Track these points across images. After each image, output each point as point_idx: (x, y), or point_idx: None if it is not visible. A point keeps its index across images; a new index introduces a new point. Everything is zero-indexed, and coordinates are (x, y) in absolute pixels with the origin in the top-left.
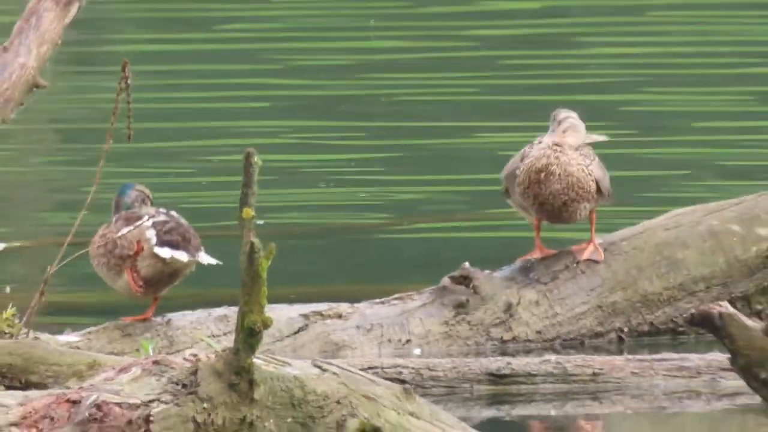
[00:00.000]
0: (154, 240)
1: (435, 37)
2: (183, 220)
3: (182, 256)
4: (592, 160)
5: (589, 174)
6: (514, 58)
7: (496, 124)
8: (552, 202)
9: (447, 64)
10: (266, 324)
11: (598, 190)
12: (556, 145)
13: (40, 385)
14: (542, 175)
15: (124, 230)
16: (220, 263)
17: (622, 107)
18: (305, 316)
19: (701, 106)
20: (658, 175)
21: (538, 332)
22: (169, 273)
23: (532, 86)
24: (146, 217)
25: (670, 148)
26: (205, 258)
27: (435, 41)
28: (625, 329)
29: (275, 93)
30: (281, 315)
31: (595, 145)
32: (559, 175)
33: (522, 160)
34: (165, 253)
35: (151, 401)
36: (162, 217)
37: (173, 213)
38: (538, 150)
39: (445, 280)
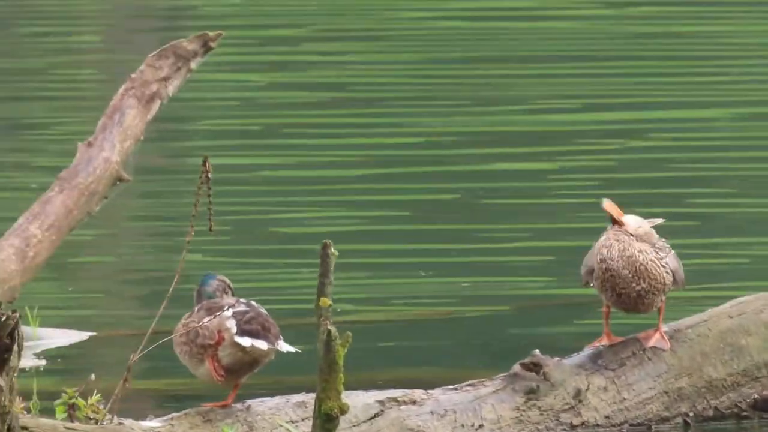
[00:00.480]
0: (234, 329)
1: None
2: (262, 310)
3: (262, 344)
4: (667, 253)
5: (663, 266)
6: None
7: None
8: (629, 294)
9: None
10: (343, 410)
11: (674, 281)
12: (616, 233)
13: None
14: (613, 272)
15: (206, 320)
16: (299, 351)
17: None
18: (381, 402)
19: None
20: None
21: (607, 417)
22: (249, 362)
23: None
24: (227, 307)
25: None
26: (284, 346)
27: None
28: (691, 414)
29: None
30: (357, 401)
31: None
32: (632, 269)
33: (601, 262)
34: (245, 342)
35: None
36: (242, 307)
37: (253, 303)
38: (606, 246)
39: (516, 367)
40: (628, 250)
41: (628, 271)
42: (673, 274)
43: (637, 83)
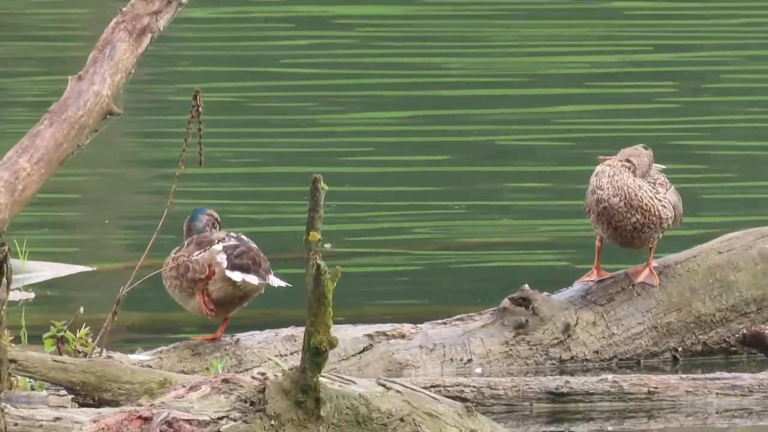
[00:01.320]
0: (225, 264)
1: None
2: (253, 244)
3: (253, 279)
4: (667, 188)
5: (660, 200)
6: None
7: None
8: (624, 226)
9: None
10: (332, 344)
11: (674, 218)
12: (609, 163)
13: (112, 403)
14: (607, 203)
15: (196, 254)
16: (290, 285)
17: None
18: (370, 336)
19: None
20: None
21: (596, 352)
22: (239, 296)
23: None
24: (217, 241)
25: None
26: (274, 281)
27: None
28: (680, 349)
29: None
30: (346, 335)
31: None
32: (623, 197)
33: (593, 193)
34: (236, 276)
35: (220, 418)
36: (232, 242)
37: (243, 237)
38: (597, 174)
39: (506, 302)
40: (618, 177)
41: (619, 199)
42: (674, 210)
43: None
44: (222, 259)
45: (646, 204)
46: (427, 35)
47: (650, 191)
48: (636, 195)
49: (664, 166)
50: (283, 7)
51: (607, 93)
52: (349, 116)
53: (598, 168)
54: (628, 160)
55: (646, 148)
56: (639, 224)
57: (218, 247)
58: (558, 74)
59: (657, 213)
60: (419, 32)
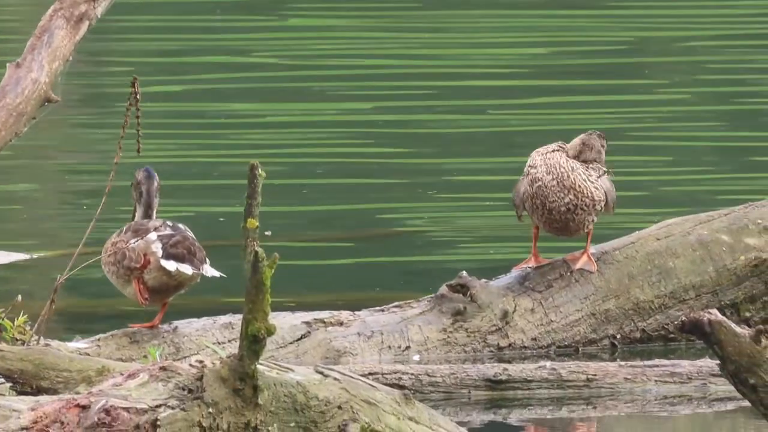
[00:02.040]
0: (160, 253)
1: None
2: (189, 233)
3: (187, 269)
4: (600, 174)
5: (592, 182)
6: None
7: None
8: (558, 207)
9: None
10: (270, 331)
11: (606, 203)
12: (546, 147)
13: (50, 391)
14: (543, 183)
15: (132, 242)
16: (224, 276)
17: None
18: (308, 324)
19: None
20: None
21: (534, 339)
22: (174, 285)
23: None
24: (153, 231)
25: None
26: (209, 271)
27: None
28: (618, 336)
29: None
30: (284, 322)
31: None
32: (556, 176)
33: (526, 176)
34: (170, 266)
35: (158, 406)
36: (168, 231)
37: (180, 225)
38: (533, 156)
39: (443, 289)
40: (551, 156)
41: (552, 177)
42: (606, 195)
43: None
44: (157, 248)
45: (578, 185)
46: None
47: (583, 173)
48: (568, 175)
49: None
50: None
51: (539, 86)
52: (288, 106)
53: (533, 154)
54: (559, 145)
55: (600, 136)
56: (572, 205)
57: (153, 236)
58: (494, 66)
59: (590, 194)
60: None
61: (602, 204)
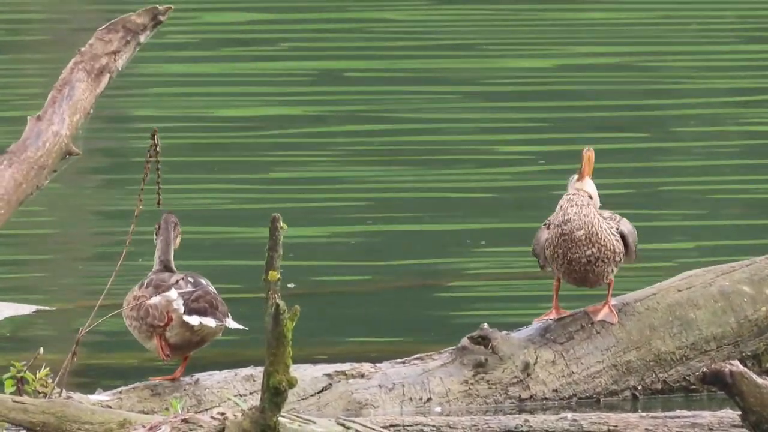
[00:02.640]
0: (182, 309)
1: None
2: (211, 288)
3: (210, 322)
4: (618, 221)
5: (614, 235)
6: None
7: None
8: (579, 259)
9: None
10: (291, 383)
11: (626, 248)
12: (576, 191)
13: None
14: (569, 227)
15: (154, 299)
16: (246, 329)
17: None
18: (329, 376)
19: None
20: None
21: (555, 390)
22: (196, 341)
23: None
24: (174, 290)
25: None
26: (232, 323)
27: None
28: (639, 387)
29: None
30: (305, 374)
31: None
32: (584, 229)
33: (548, 227)
34: (194, 320)
35: None
36: (189, 287)
37: (201, 280)
38: (564, 205)
39: (464, 341)
40: (588, 214)
41: (583, 233)
42: (625, 239)
43: None
44: (179, 305)
45: (603, 238)
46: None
47: (606, 226)
48: (596, 230)
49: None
50: None
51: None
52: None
53: (563, 201)
54: (589, 195)
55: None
56: (594, 257)
57: (174, 294)
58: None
59: (612, 247)
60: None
61: (622, 255)
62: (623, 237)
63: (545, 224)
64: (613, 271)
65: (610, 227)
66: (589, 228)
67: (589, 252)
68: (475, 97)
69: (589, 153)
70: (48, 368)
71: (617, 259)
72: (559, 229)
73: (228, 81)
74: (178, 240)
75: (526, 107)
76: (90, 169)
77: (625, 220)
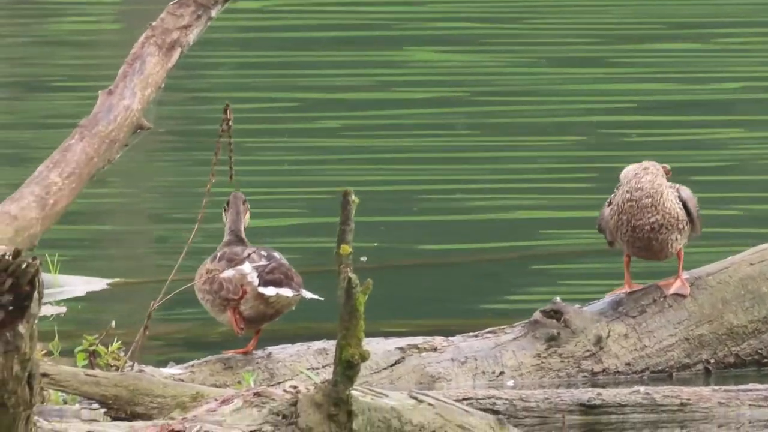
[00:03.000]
0: (256, 282)
1: None
2: (284, 260)
3: (287, 292)
4: (678, 188)
5: (677, 202)
6: None
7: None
8: (642, 226)
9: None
10: (364, 357)
11: (689, 216)
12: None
13: (145, 416)
14: (636, 194)
15: (228, 273)
16: (321, 299)
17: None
18: (401, 349)
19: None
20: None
21: (628, 364)
22: (270, 313)
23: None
24: (247, 264)
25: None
26: (307, 294)
27: None
28: (712, 361)
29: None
30: (378, 348)
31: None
32: (652, 197)
33: (609, 204)
34: (270, 291)
35: None
36: (262, 261)
37: (274, 254)
38: (630, 178)
39: (537, 315)
40: (644, 177)
41: (651, 201)
42: (685, 205)
43: None
44: (253, 278)
45: (667, 206)
46: None
47: (671, 193)
48: (660, 197)
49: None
50: None
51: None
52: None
53: (634, 169)
54: (648, 165)
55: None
56: (657, 224)
57: (248, 267)
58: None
59: (675, 214)
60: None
61: (685, 223)
62: (683, 203)
63: (608, 202)
64: (677, 239)
65: (673, 194)
66: (658, 197)
67: (653, 219)
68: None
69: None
70: (120, 342)
71: (680, 226)
72: (628, 195)
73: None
74: (247, 216)
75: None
76: (165, 145)
77: (684, 187)
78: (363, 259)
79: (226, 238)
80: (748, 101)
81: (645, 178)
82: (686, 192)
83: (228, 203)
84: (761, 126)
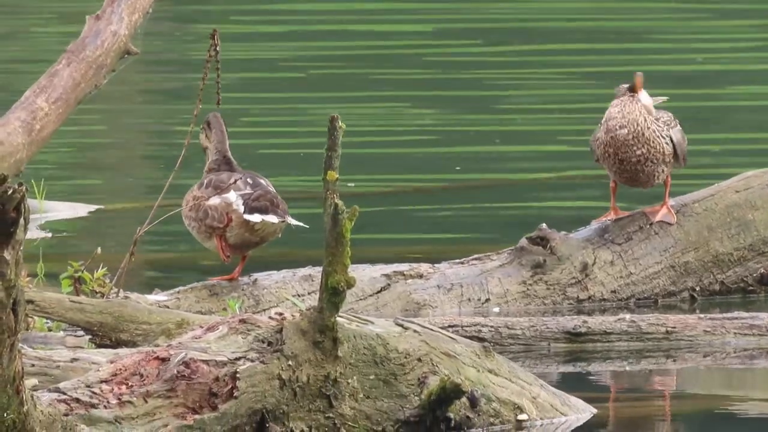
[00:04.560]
0: (241, 209)
1: None
2: (271, 187)
3: (272, 218)
4: (671, 126)
5: (663, 137)
6: None
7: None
8: (629, 158)
9: None
10: (350, 284)
11: (675, 154)
12: (630, 97)
13: (129, 343)
14: (619, 133)
15: (213, 200)
16: (306, 226)
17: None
18: (387, 276)
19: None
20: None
21: (613, 291)
22: (256, 241)
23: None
24: (232, 192)
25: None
26: (293, 221)
27: None
28: (697, 288)
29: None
30: (364, 275)
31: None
32: (632, 130)
33: (604, 123)
34: (255, 218)
35: (237, 359)
36: (248, 189)
37: (261, 180)
38: (616, 110)
39: (523, 241)
40: (632, 113)
41: (627, 131)
42: (675, 147)
43: None
44: (239, 205)
45: (652, 140)
46: None
47: (657, 128)
48: (643, 132)
49: (666, 98)
50: None
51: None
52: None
53: (614, 104)
54: (630, 92)
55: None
56: (643, 158)
57: (233, 196)
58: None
59: (661, 149)
60: None
61: (671, 157)
62: (673, 144)
63: (603, 122)
64: (663, 171)
65: (660, 129)
66: (634, 127)
67: (639, 152)
68: None
69: (639, 76)
70: (105, 268)
71: (667, 160)
72: (605, 126)
73: None
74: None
75: None
76: (151, 77)
77: (678, 128)
78: (351, 185)
79: (213, 159)
80: None
81: (614, 109)
82: (677, 135)
83: (209, 124)
84: None
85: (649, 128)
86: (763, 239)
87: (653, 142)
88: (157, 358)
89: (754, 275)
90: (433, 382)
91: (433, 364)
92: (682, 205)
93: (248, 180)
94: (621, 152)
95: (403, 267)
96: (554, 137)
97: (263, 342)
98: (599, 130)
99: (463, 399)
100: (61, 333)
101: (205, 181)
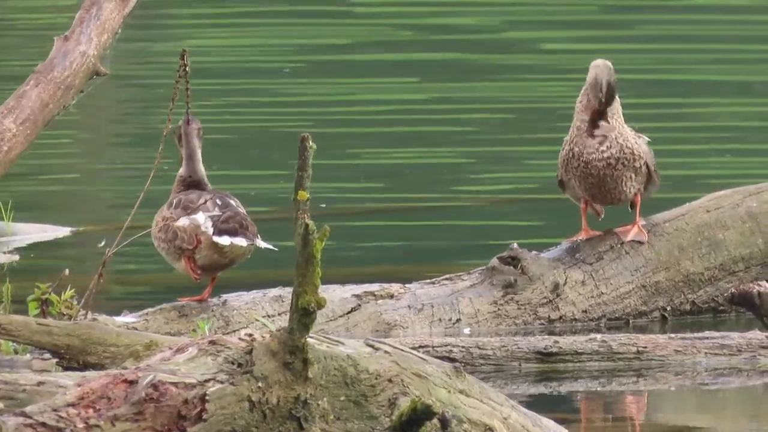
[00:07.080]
0: (210, 231)
1: None
2: (240, 209)
3: (241, 241)
4: (640, 138)
5: (637, 143)
6: None
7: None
8: (599, 167)
9: None
10: (320, 304)
11: (648, 171)
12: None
13: (97, 366)
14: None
15: (182, 221)
16: (275, 249)
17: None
18: (358, 297)
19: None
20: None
21: (584, 311)
22: (225, 263)
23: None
24: (201, 213)
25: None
26: (262, 243)
27: None
28: (668, 308)
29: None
30: (334, 295)
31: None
32: (607, 138)
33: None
34: (224, 241)
35: (206, 381)
36: (216, 211)
37: (230, 201)
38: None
39: (494, 261)
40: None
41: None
42: (645, 159)
43: None
44: (207, 227)
45: (622, 140)
46: None
47: (630, 133)
48: (614, 134)
49: (648, 139)
50: None
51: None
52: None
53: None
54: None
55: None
56: (613, 159)
57: (201, 217)
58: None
59: (631, 148)
60: None
61: (642, 162)
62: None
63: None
64: (632, 178)
65: (631, 133)
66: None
67: (607, 154)
68: None
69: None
70: (73, 290)
71: (637, 164)
72: (578, 122)
73: None
74: (199, 143)
75: None
76: (121, 97)
77: (644, 137)
78: (322, 205)
79: (183, 173)
80: None
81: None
82: (644, 146)
83: (180, 137)
84: None
85: (622, 134)
86: (734, 259)
87: (624, 141)
88: (125, 380)
89: (725, 295)
90: (404, 404)
91: (404, 385)
92: (653, 225)
93: (217, 201)
94: (587, 153)
95: (374, 287)
96: (525, 159)
97: (233, 363)
98: (563, 148)
99: (435, 420)
100: (28, 356)
101: (174, 201)
